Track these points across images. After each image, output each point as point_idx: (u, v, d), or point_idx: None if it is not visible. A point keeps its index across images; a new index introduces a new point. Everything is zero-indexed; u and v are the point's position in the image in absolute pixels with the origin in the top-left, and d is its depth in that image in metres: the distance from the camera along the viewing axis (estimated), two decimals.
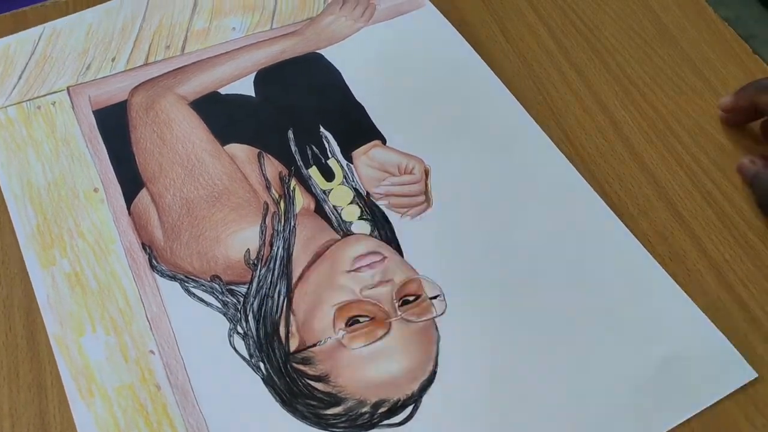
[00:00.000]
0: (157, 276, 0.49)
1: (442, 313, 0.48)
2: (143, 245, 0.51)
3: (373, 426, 0.44)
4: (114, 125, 0.57)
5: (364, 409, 0.44)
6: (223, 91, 0.59)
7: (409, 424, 0.44)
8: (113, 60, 0.61)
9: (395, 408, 0.44)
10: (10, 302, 0.48)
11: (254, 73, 0.60)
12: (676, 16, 0.64)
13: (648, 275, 0.49)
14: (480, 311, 0.48)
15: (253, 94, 0.59)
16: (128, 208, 0.53)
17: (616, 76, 0.60)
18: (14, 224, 0.51)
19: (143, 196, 0.53)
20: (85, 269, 0.50)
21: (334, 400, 0.45)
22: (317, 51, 0.62)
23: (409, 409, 0.44)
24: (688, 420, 0.43)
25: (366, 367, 0.45)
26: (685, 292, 0.48)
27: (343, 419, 0.44)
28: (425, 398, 0.45)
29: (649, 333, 0.47)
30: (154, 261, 0.50)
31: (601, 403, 0.44)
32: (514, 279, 0.49)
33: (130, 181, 0.54)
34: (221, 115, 0.57)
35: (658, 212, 0.52)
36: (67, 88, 0.59)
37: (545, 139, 0.56)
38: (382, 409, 0.44)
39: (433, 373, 0.46)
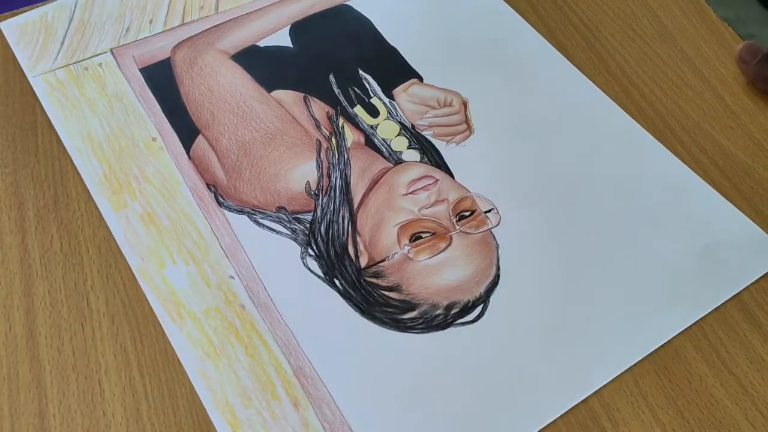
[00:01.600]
0: (225, 211, 0.52)
1: (497, 225, 0.51)
2: (207, 185, 0.54)
3: (448, 325, 0.47)
4: (162, 80, 0.59)
5: (438, 312, 0.48)
6: (261, 44, 0.62)
7: (480, 321, 0.47)
8: (150, 22, 0.64)
9: (466, 308, 0.48)
10: (10, 302, 0.48)
11: (288, 26, 0.63)
12: (676, 16, 0.64)
13: (683, 181, 0.53)
14: (532, 220, 0.52)
15: (290, 45, 0.62)
16: (188, 153, 0.55)
17: (616, 76, 0.60)
18: (82, 174, 0.54)
19: (200, 141, 0.56)
20: (156, 209, 0.52)
21: (409, 306, 0.48)
22: (346, 3, 0.65)
23: (479, 308, 0.48)
24: (688, 420, 0.44)
25: (434, 276, 0.49)
26: None
27: (419, 322, 0.47)
28: (492, 298, 0.48)
29: (688, 228, 0.51)
30: (220, 198, 0.53)
31: (652, 292, 0.48)
32: (560, 190, 0.53)
33: (186, 129, 0.57)
34: (263, 66, 0.60)
35: None
36: (111, 50, 0.61)
37: (573, 69, 0.60)
38: (454, 310, 0.48)
39: (497, 276, 0.49)
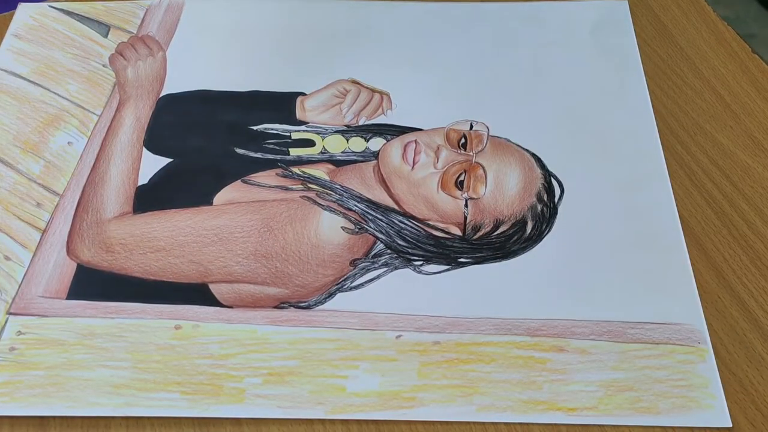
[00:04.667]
0: (318, 308, 0.48)
1: (489, 129, 0.56)
2: (278, 308, 0.48)
3: (556, 209, 0.52)
4: (104, 283, 0.49)
5: (539, 207, 0.52)
6: (143, 180, 0.54)
7: (566, 189, 0.53)
8: (8, 258, 0.51)
9: (549, 189, 0.53)
10: None
11: (144, 150, 0.56)
12: (676, 15, 0.64)
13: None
14: (502, 106, 0.58)
15: (169, 159, 0.56)
16: (221, 305, 0.48)
17: None
18: (164, 415, 0.44)
19: (218, 288, 0.49)
20: (270, 364, 0.45)
21: (521, 223, 0.51)
22: (163, 95, 0.59)
23: (554, 182, 0.53)
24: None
25: (504, 192, 0.52)
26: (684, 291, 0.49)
27: (539, 226, 0.51)
28: (552, 169, 0.54)
29: None
30: (300, 305, 0.48)
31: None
32: (496, 80, 0.60)
33: (192, 294, 0.49)
34: (173, 194, 0.53)
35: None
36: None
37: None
38: (545, 196, 0.52)
39: (534, 155, 0.55)
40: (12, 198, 0.53)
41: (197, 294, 0.49)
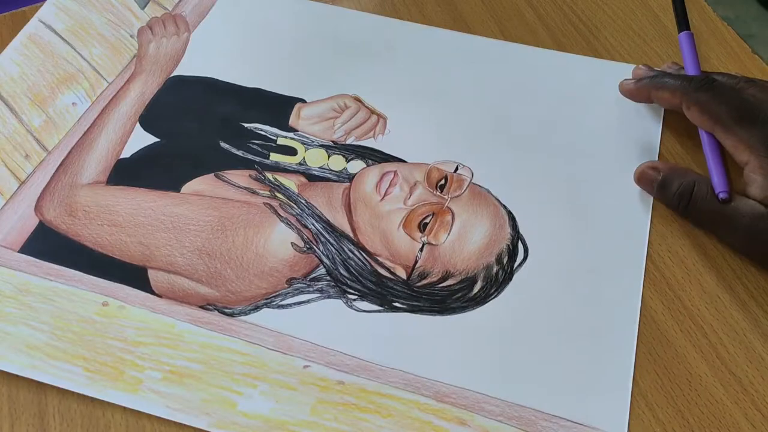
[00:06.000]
0: (242, 318, 0.47)
1: (473, 176, 0.54)
2: (203, 307, 0.48)
3: (512, 274, 0.49)
4: (56, 246, 0.50)
5: (495, 269, 0.49)
6: (125, 154, 0.56)
7: (530, 255, 0.50)
8: None
9: (512, 252, 0.50)
10: None
11: (138, 125, 0.57)
12: None
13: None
14: (496, 155, 0.55)
15: (156, 139, 0.57)
16: (154, 293, 0.48)
17: None
18: (62, 386, 0.45)
19: (155, 275, 0.49)
20: (174, 362, 0.45)
21: (470, 281, 0.49)
22: (172, 76, 0.60)
23: (520, 245, 0.50)
24: (688, 420, 0.44)
25: (465, 245, 0.50)
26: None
27: (488, 287, 0.49)
28: (522, 232, 0.51)
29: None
30: (226, 311, 0.48)
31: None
32: (499, 127, 0.57)
33: (128, 274, 0.49)
34: (148, 172, 0.54)
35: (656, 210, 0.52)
36: None
37: (423, 27, 0.63)
38: (505, 259, 0.50)
39: (510, 213, 0.52)
40: (6, 145, 0.56)
41: (135, 276, 0.49)
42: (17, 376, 0.44)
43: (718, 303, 0.48)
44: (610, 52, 0.61)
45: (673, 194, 0.50)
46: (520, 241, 0.51)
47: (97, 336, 0.46)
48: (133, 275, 0.49)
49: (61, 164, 0.55)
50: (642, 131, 0.56)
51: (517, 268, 0.49)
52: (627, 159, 0.54)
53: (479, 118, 0.57)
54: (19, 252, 0.50)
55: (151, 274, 0.49)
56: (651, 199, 0.52)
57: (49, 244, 0.51)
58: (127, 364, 0.45)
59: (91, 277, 0.49)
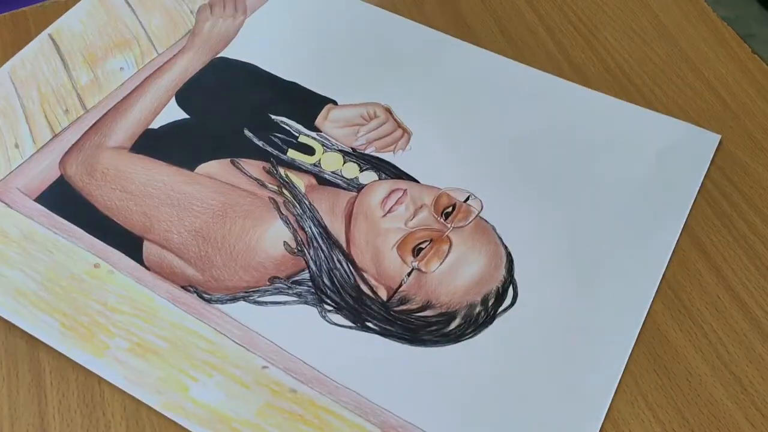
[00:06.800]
0: (218, 306, 0.48)
1: (482, 209, 0.52)
2: (184, 288, 0.49)
3: (494, 318, 0.47)
4: (68, 201, 0.53)
5: (478, 309, 0.48)
6: (155, 125, 0.57)
7: (518, 301, 0.48)
8: (17, 146, 0.56)
9: (500, 295, 0.48)
10: None
11: (173, 99, 0.59)
12: (675, 15, 0.64)
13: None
14: (510, 192, 0.53)
15: (186, 116, 0.58)
16: (143, 265, 0.50)
17: (616, 76, 0.60)
18: (35, 335, 0.46)
19: (149, 247, 0.51)
20: (144, 336, 0.47)
21: (449, 316, 0.47)
22: (219, 56, 0.62)
23: (510, 290, 0.49)
24: (688, 420, 0.44)
25: (455, 278, 0.49)
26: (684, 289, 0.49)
27: (466, 326, 0.47)
28: (517, 276, 0.49)
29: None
30: (205, 295, 0.48)
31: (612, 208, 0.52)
32: (520, 158, 0.55)
33: (126, 241, 0.51)
34: (170, 147, 0.56)
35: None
36: None
37: (469, 46, 0.62)
38: (491, 301, 0.48)
39: (509, 255, 0.50)
40: (52, 97, 0.59)
41: (130, 245, 0.51)
42: (18, 379, 0.45)
43: (718, 303, 0.48)
44: (609, 52, 0.62)
45: None
46: (511, 286, 0.49)
47: (82, 295, 0.48)
48: (130, 243, 0.51)
49: (93, 124, 0.57)
50: (676, 189, 0.53)
51: (501, 312, 0.48)
52: (648, 226, 0.51)
53: (504, 152, 0.55)
54: (34, 200, 0.53)
55: (146, 246, 0.51)
56: (658, 281, 0.49)
57: (63, 199, 0.53)
58: (101, 328, 0.47)
59: (91, 237, 0.51)
